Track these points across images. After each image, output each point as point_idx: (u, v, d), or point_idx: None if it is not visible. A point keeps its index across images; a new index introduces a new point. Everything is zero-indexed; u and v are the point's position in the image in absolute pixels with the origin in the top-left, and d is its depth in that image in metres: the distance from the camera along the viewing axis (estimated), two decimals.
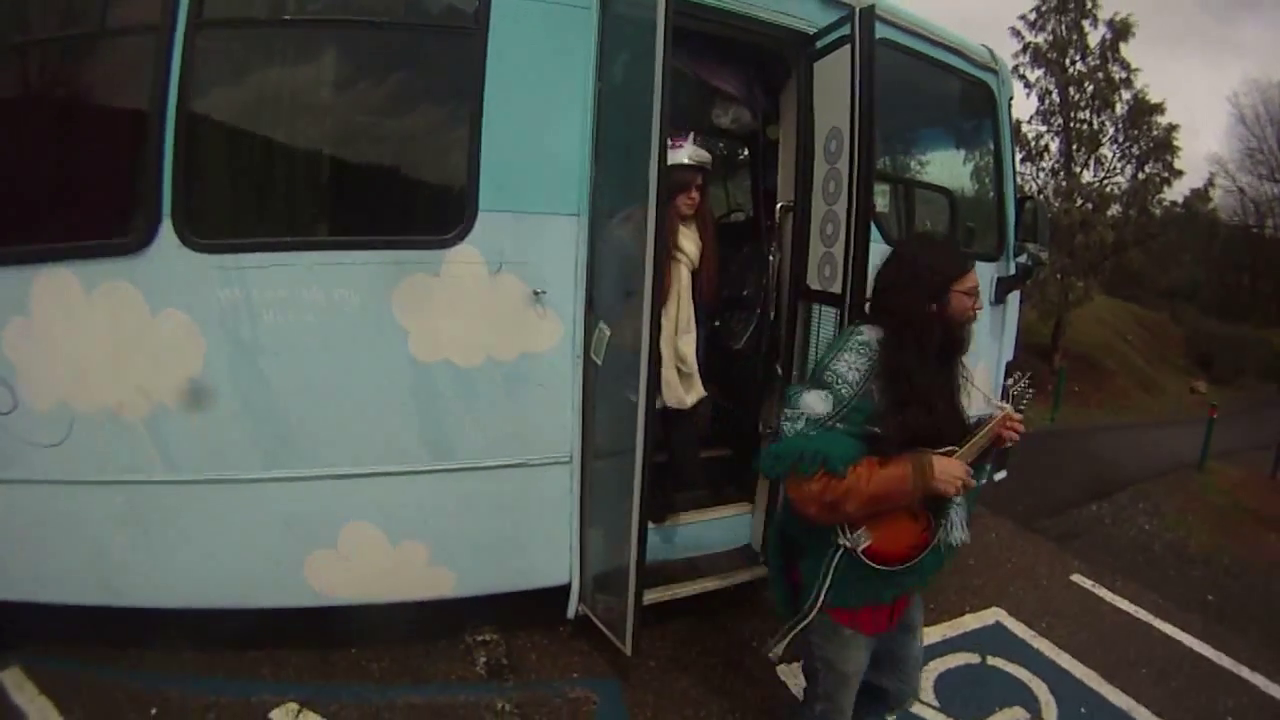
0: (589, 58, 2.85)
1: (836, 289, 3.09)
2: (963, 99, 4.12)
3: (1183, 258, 25.44)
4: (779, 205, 3.52)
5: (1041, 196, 15.38)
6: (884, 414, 1.94)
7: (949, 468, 1.95)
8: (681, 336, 3.33)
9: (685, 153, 3.20)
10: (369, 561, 2.93)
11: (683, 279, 3.32)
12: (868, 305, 2.19)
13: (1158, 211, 18.36)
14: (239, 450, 2.75)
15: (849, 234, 2.99)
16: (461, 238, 2.76)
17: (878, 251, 3.02)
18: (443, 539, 3.00)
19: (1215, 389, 19.84)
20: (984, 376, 4.19)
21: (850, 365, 1.96)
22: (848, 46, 2.97)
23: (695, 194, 3.28)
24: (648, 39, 2.55)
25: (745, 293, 3.66)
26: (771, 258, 3.57)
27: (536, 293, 2.87)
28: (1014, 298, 4.31)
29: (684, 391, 3.38)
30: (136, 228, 2.57)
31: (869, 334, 2.01)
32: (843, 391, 1.94)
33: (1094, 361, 18.16)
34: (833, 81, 3.10)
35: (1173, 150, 17.12)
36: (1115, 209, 17.14)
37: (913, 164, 4.34)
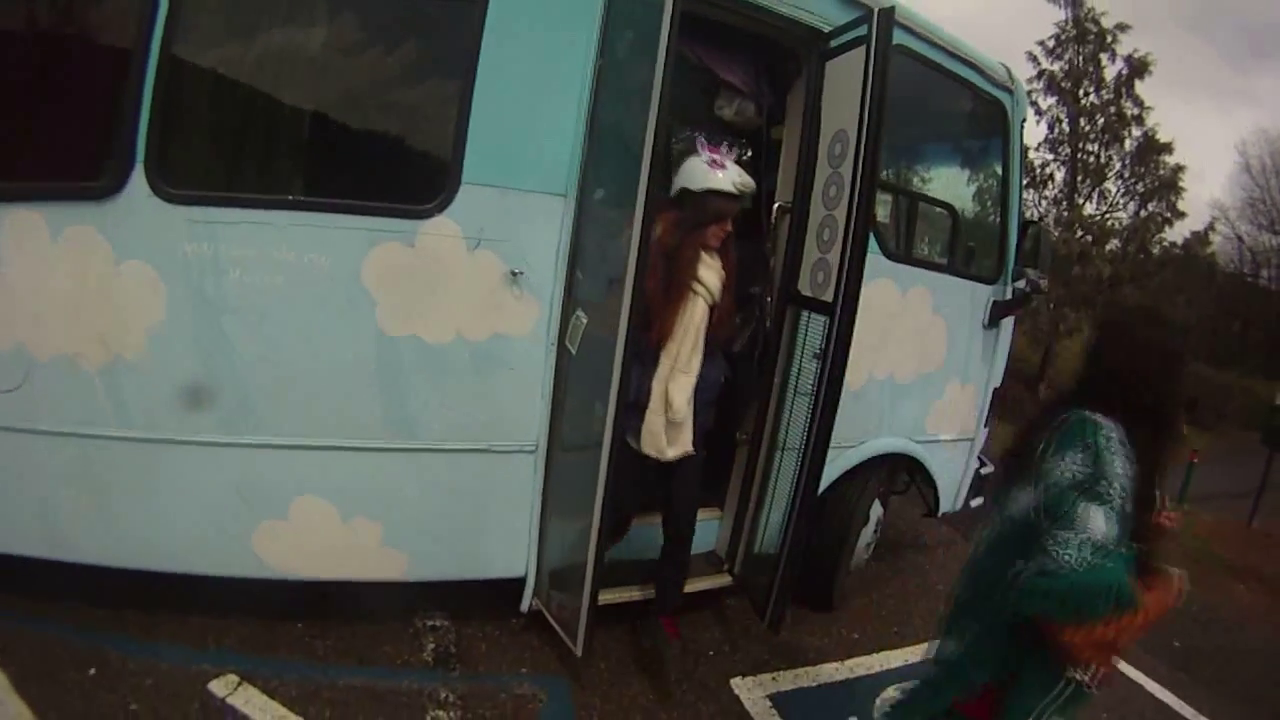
0: (592, 32, 2.75)
1: (828, 297, 2.99)
2: (975, 116, 4.03)
3: (1177, 299, 25.51)
4: (776, 205, 3.42)
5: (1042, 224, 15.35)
6: (1138, 527, 1.75)
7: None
8: (676, 377, 2.87)
9: (729, 177, 2.78)
10: (319, 537, 2.85)
11: (697, 315, 2.87)
12: (1086, 385, 1.91)
13: (1156, 251, 18.40)
14: (194, 411, 2.66)
15: (846, 242, 2.89)
16: (441, 209, 2.66)
17: (872, 264, 2.94)
18: (397, 520, 2.92)
19: (1196, 432, 19.79)
20: (969, 401, 4.15)
21: (1123, 473, 1.70)
22: (863, 48, 2.87)
23: (729, 225, 2.91)
24: (654, 18, 2.45)
25: (753, 290, 3.55)
26: (771, 259, 3.48)
27: (514, 273, 2.77)
28: (1008, 323, 4.23)
29: (665, 442, 2.92)
30: (108, 172, 2.47)
31: (1109, 428, 1.75)
32: (1124, 508, 1.68)
33: None
34: (844, 83, 3.01)
35: (1177, 191, 17.21)
36: (1114, 244, 17.18)
37: (917, 177, 4.25)
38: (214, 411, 2.67)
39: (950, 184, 4.31)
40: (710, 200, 2.77)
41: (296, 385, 2.71)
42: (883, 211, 3.72)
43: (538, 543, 3.09)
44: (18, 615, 2.85)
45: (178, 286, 2.55)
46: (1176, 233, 18.34)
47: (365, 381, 2.74)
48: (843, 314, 2.88)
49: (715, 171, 2.76)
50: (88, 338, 2.57)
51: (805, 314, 3.21)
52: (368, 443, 2.79)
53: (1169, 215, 17.43)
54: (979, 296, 3.98)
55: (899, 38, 2.98)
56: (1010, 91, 3.92)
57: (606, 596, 3.16)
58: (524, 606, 3.16)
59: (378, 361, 2.74)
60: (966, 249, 4.13)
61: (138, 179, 2.47)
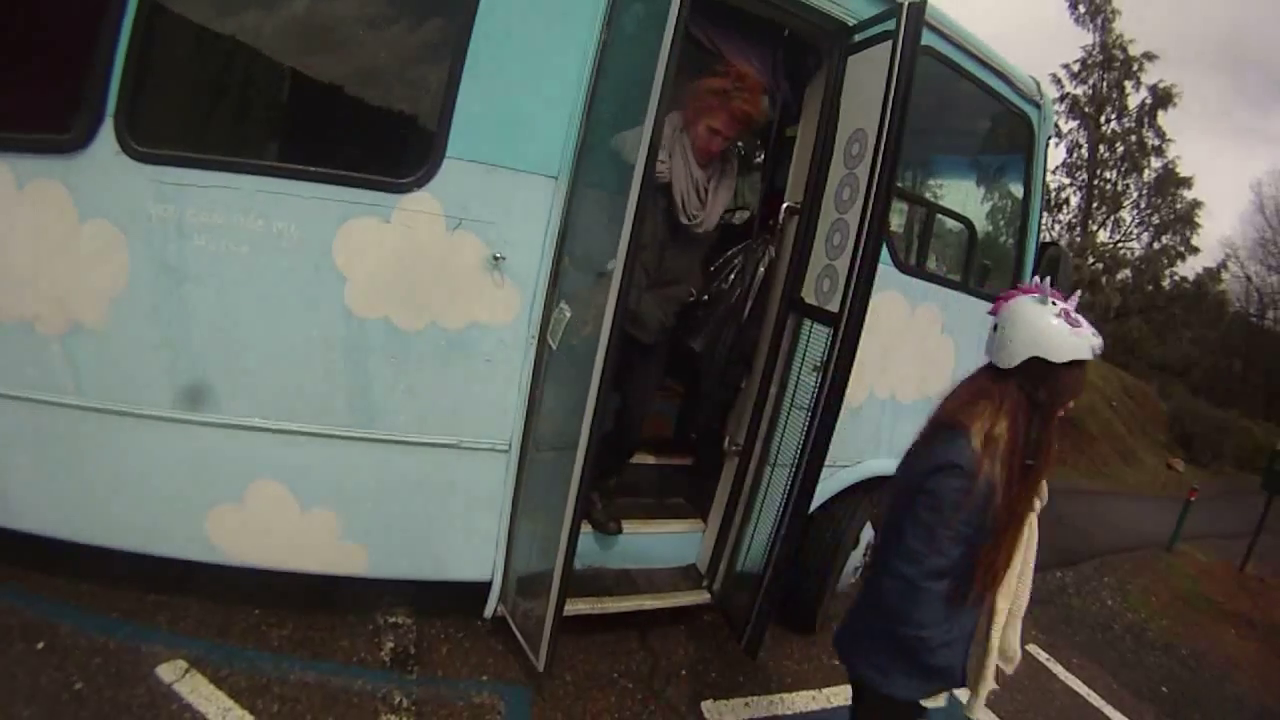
0: (598, 3, 2.57)
1: (833, 307, 2.81)
2: (1000, 129, 3.87)
3: (1183, 335, 25.46)
4: (784, 205, 3.23)
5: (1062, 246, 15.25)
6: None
7: None
8: (1014, 621, 2.14)
9: (1088, 338, 1.86)
10: (276, 525, 2.73)
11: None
12: None
13: (1167, 284, 18.31)
14: (151, 383, 2.54)
15: (858, 249, 2.71)
16: (421, 184, 2.50)
17: (882, 274, 2.77)
18: (358, 513, 2.77)
19: (1192, 469, 19.83)
20: None
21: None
22: (888, 43, 2.69)
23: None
24: None
25: (721, 287, 3.36)
26: (761, 263, 3.29)
27: (496, 257, 2.60)
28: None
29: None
30: (76, 125, 2.35)
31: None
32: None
33: (1077, 422, 17.98)
34: (866, 79, 2.84)
35: (1193, 226, 17.11)
36: (1125, 274, 17.08)
37: (934, 186, 4.06)
38: (169, 385, 2.54)
39: (968, 197, 4.10)
40: (1075, 374, 1.93)
41: (257, 363, 2.57)
42: (896, 220, 3.55)
43: (506, 547, 2.93)
44: None
45: (141, 250, 2.43)
46: (1188, 267, 18.21)
47: (330, 364, 2.59)
48: (848, 326, 2.70)
49: (1078, 334, 1.89)
50: (46, 299, 2.45)
51: (808, 323, 3.03)
52: (329, 429, 2.64)
53: (1182, 250, 17.34)
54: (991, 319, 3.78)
55: (927, 39, 2.81)
56: (1038, 106, 3.76)
57: (576, 607, 3.04)
58: (487, 613, 3.02)
59: (344, 343, 2.57)
60: (981, 267, 3.95)
61: (106, 134, 2.35)
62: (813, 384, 2.91)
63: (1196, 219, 17.27)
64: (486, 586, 2.99)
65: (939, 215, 3.71)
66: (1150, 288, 17.86)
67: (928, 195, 3.88)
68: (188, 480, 2.63)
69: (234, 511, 2.67)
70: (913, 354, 3.50)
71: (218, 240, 2.43)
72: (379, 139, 2.61)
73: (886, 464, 3.58)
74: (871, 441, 3.51)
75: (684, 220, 2.98)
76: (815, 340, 2.95)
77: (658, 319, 3.09)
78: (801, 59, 3.26)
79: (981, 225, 4.03)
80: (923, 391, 3.60)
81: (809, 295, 3.03)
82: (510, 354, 2.71)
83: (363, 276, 2.53)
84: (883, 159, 2.67)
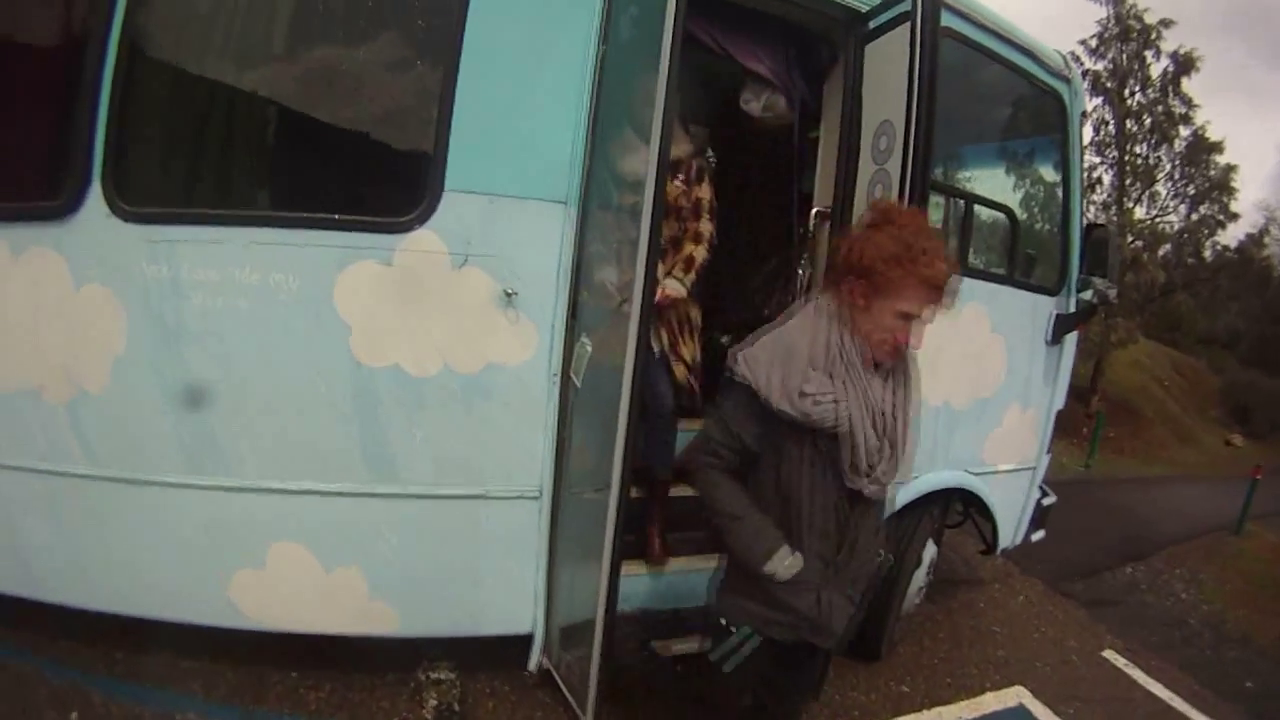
0: (592, 14, 2.43)
1: None
2: (1030, 109, 3.70)
3: (1230, 305, 24.71)
4: (814, 211, 3.06)
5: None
6: None
7: None
8: None
9: None
10: (301, 588, 2.63)
11: None
12: None
13: (1208, 254, 17.82)
14: (160, 449, 2.47)
15: None
16: (421, 221, 2.37)
17: None
18: (385, 571, 2.64)
19: (1251, 443, 19.23)
20: (1030, 427, 3.76)
21: None
22: (907, 25, 2.52)
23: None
24: None
25: (765, 313, 3.19)
26: (801, 271, 3.10)
27: (508, 293, 2.45)
28: (1071, 338, 3.84)
29: None
30: (65, 190, 2.32)
31: None
32: None
33: (1131, 407, 17.56)
34: (886, 67, 2.66)
35: (1229, 192, 16.66)
36: (1166, 248, 16.63)
37: (968, 176, 3.85)
38: (178, 449, 2.46)
39: (1004, 184, 3.90)
40: None
41: (266, 422, 2.48)
42: (933, 216, 3.34)
43: (545, 597, 2.77)
44: (5, 648, 2.76)
45: (138, 312, 2.37)
46: (1229, 235, 17.71)
47: (340, 418, 2.47)
48: None
49: None
50: (50, 367, 2.42)
51: None
52: (346, 487, 2.52)
53: (1221, 218, 16.87)
54: (1040, 310, 3.60)
55: (946, 20, 2.64)
56: (1068, 81, 3.57)
57: (624, 654, 2.85)
58: (531, 666, 2.87)
59: (354, 395, 2.45)
60: (1026, 257, 3.72)
61: (95, 197, 2.31)
62: None
63: (1233, 184, 16.83)
64: (529, 639, 2.84)
65: (976, 206, 3.49)
66: (1192, 260, 17.36)
67: (964, 185, 3.67)
68: (206, 545, 2.55)
69: (257, 575, 2.58)
70: (962, 357, 3.28)
71: (215, 297, 2.35)
72: (373, 178, 2.50)
73: (944, 477, 3.39)
74: (927, 455, 3.29)
75: (865, 481, 1.94)
76: None
77: (847, 614, 2.08)
78: (815, 54, 3.11)
79: (1021, 213, 3.82)
80: (976, 395, 3.40)
81: None
82: (532, 394, 2.56)
83: (368, 324, 2.41)
84: (914, 151, 2.49)
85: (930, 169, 2.55)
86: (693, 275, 2.98)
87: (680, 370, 3.08)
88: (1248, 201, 33.47)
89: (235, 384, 2.44)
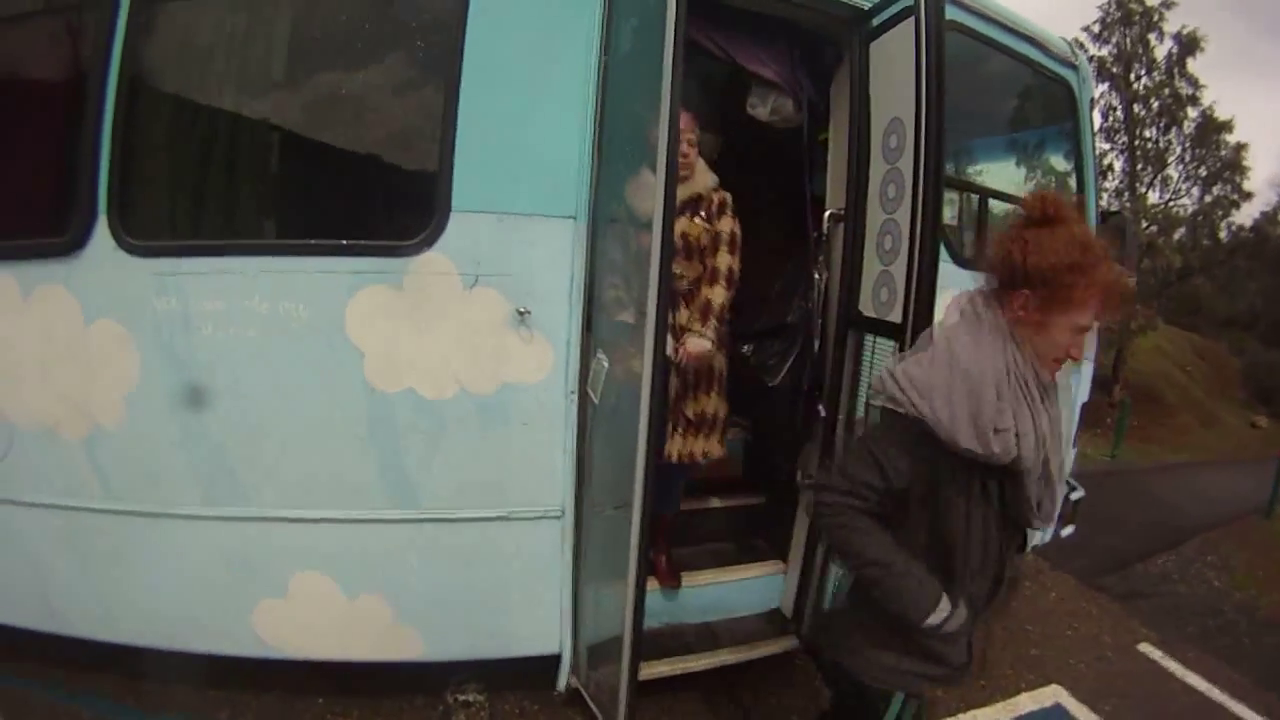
0: (592, 24, 2.40)
1: (895, 317, 2.55)
2: (1039, 98, 3.64)
3: (1249, 286, 24.39)
4: (827, 214, 2.99)
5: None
6: None
7: None
8: None
9: None
10: (324, 616, 2.62)
11: None
12: None
13: (1224, 235, 17.63)
14: (177, 481, 2.47)
15: (913, 249, 2.45)
16: (430, 243, 2.34)
17: (943, 273, 2.52)
18: (408, 597, 2.62)
19: (1277, 424, 18.96)
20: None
21: None
22: (911, 20, 2.46)
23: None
24: (660, 3, 2.09)
25: (789, 319, 3.14)
26: (818, 276, 3.05)
27: (521, 312, 2.42)
28: (1092, 331, 3.72)
29: None
30: (72, 226, 2.34)
31: None
32: None
33: (1154, 394, 17.35)
34: (893, 64, 2.60)
35: (1242, 170, 16.51)
36: (1181, 232, 16.46)
37: (981, 170, 3.80)
38: (195, 481, 2.47)
39: (1017, 176, 3.86)
40: None
41: (281, 451, 2.47)
42: (948, 212, 3.29)
43: (571, 616, 2.73)
44: (25, 678, 2.76)
45: (149, 345, 2.38)
46: (1244, 215, 17.52)
47: (356, 444, 2.45)
48: (915, 335, 2.41)
49: None
50: (65, 404, 2.44)
51: (870, 338, 2.78)
52: (365, 514, 2.50)
53: (1235, 197, 16.70)
54: None
55: (950, 13, 2.60)
56: (1075, 68, 3.51)
57: (654, 670, 2.83)
58: (560, 686, 2.83)
59: (369, 421, 2.43)
60: None
61: (101, 232, 2.33)
62: None
63: (1244, 163, 16.68)
64: (557, 659, 2.81)
65: (992, 200, 3.43)
66: (1208, 243, 17.16)
67: (977, 179, 3.62)
68: (227, 576, 2.55)
69: (279, 605, 2.57)
70: None
71: (225, 327, 2.35)
72: (379, 202, 2.48)
73: None
74: None
75: (1038, 517, 1.74)
76: (880, 355, 2.69)
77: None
78: (820, 54, 3.05)
79: None
80: None
81: (866, 308, 2.78)
82: (549, 413, 2.52)
83: (380, 349, 2.39)
84: (926, 147, 2.42)
85: (943, 165, 2.49)
86: (714, 323, 2.83)
87: (675, 439, 2.92)
88: (1260, 179, 33.13)
89: (249, 414, 2.43)
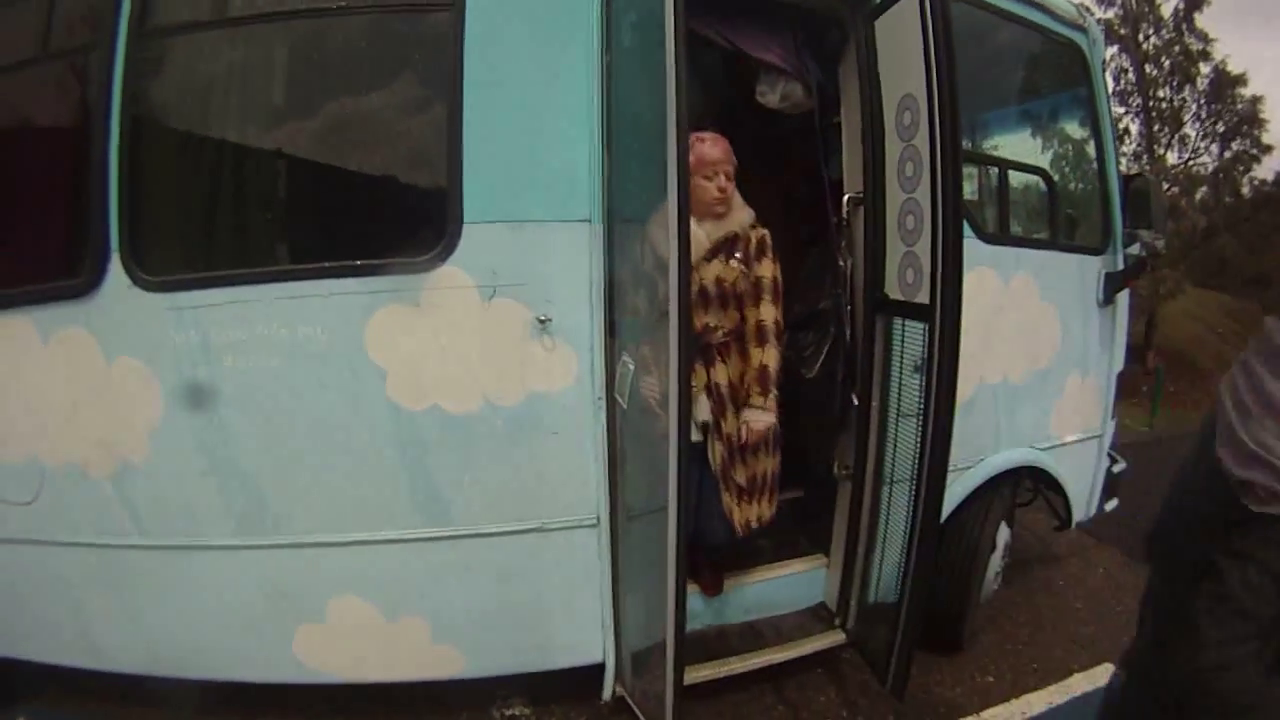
0: (592, 23, 2.37)
1: (923, 298, 2.49)
2: (1050, 64, 3.55)
3: (1276, 240, 23.89)
4: (846, 197, 2.93)
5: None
6: None
7: None
8: None
9: None
10: (364, 638, 2.60)
11: None
12: None
13: (1247, 191, 17.30)
14: (208, 513, 2.47)
15: (936, 227, 2.39)
16: (444, 258, 2.32)
17: (968, 249, 2.46)
18: (446, 615, 2.60)
19: None
20: (1093, 393, 3.60)
21: None
22: None
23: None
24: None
25: (821, 307, 3.08)
26: (843, 263, 2.99)
27: (542, 320, 2.38)
28: (1124, 296, 3.68)
29: None
30: (86, 267, 2.35)
31: None
32: None
33: (1187, 359, 17.00)
34: (899, 40, 2.55)
35: (1260, 124, 16.23)
36: (1203, 191, 16.17)
37: (997, 141, 3.72)
38: (225, 512, 2.46)
39: (1035, 146, 3.78)
40: None
41: (310, 477, 2.45)
42: (968, 187, 3.22)
43: (614, 624, 2.70)
44: (74, 715, 2.86)
45: (171, 380, 2.37)
46: (1265, 169, 17.19)
47: (385, 465, 2.43)
48: (944, 316, 2.38)
49: None
50: (92, 444, 2.44)
51: (898, 322, 2.72)
52: (398, 534, 2.48)
53: (1255, 152, 16.40)
54: (1088, 271, 3.45)
55: None
56: (1084, 30, 3.42)
57: (699, 674, 2.79)
58: (605, 695, 2.79)
59: (396, 440, 2.41)
60: (1067, 219, 3.59)
61: (115, 270, 2.33)
62: (917, 387, 2.59)
63: (1261, 115, 16.41)
64: (601, 668, 2.77)
65: (1011, 172, 3.36)
66: (1230, 200, 16.82)
67: (994, 151, 3.55)
68: (265, 605, 2.54)
69: (319, 630, 2.56)
70: (1016, 329, 3.16)
71: (245, 357, 2.34)
72: (391, 220, 2.46)
73: (1011, 456, 3.26)
74: (990, 435, 3.17)
75: None
76: (910, 339, 2.63)
77: None
78: (825, 37, 2.99)
79: (1056, 173, 3.68)
80: (1033, 368, 3.26)
81: (893, 290, 2.72)
82: (578, 421, 2.49)
83: (402, 367, 2.36)
84: (941, 121, 2.36)
85: (960, 139, 2.42)
86: (774, 391, 2.70)
87: (728, 502, 2.78)
88: (1279, 131, 32.46)
89: (276, 442, 2.41)
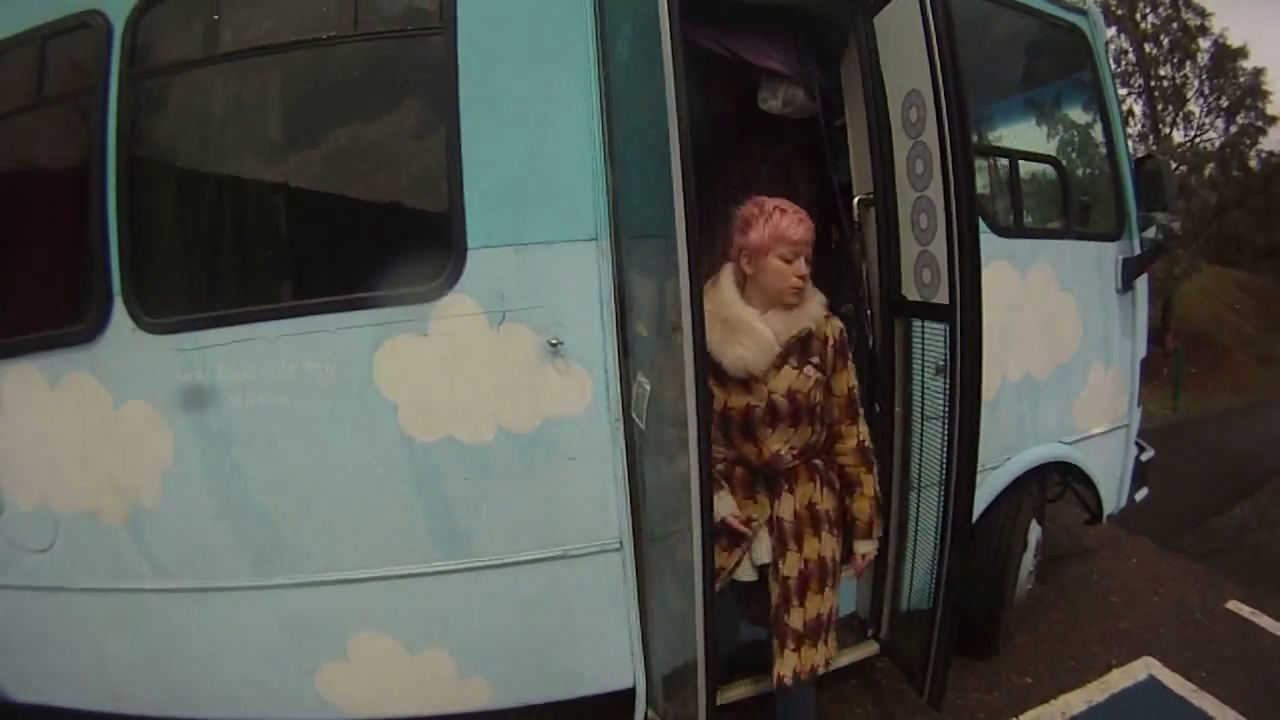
0: (587, 36, 2.33)
1: (942, 298, 2.42)
2: (1052, 48, 3.50)
3: None
4: (856, 199, 2.88)
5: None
6: None
7: None
8: None
9: None
10: (388, 674, 2.56)
11: None
12: None
13: (1255, 164, 17.17)
14: (224, 555, 2.46)
15: (951, 223, 2.32)
16: (450, 285, 2.28)
17: (983, 244, 2.40)
18: (471, 647, 2.55)
19: None
20: (1117, 382, 3.53)
21: None
22: None
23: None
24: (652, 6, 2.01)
25: (841, 311, 3.01)
26: (858, 266, 2.93)
27: (553, 344, 2.33)
28: (1142, 282, 3.61)
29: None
30: (90, 312, 2.36)
31: None
32: None
33: (1206, 338, 16.86)
34: (899, 35, 2.50)
35: (1263, 95, 16.14)
36: (1211, 168, 16.05)
37: (1003, 132, 3.66)
38: (242, 553, 2.45)
39: (1042, 134, 3.71)
40: None
41: (325, 514, 2.41)
42: (979, 181, 3.16)
43: (642, 648, 2.63)
44: None
45: (180, 423, 2.36)
46: (1273, 140, 17.04)
47: (401, 499, 2.38)
48: (965, 314, 2.31)
49: None
50: (104, 488, 2.45)
51: (917, 323, 2.65)
52: (420, 567, 2.43)
53: (1260, 124, 16.29)
54: (1105, 258, 3.39)
55: None
56: (1084, 13, 3.37)
57: (732, 693, 2.73)
58: None
59: (411, 474, 2.36)
60: (1080, 206, 3.50)
61: (119, 314, 2.34)
62: (940, 389, 2.53)
63: (1264, 87, 16.28)
64: (631, 694, 2.69)
65: (1021, 162, 3.30)
66: (1239, 174, 16.69)
67: (1002, 142, 3.50)
68: (287, 644, 2.52)
69: (342, 667, 2.51)
70: (1036, 323, 3.09)
71: (253, 396, 2.32)
72: (394, 250, 2.40)
73: (1039, 453, 3.19)
74: (1016, 433, 3.10)
75: None
76: (930, 340, 2.56)
77: None
78: (824, 38, 2.94)
79: (1066, 160, 3.62)
80: (1055, 360, 3.20)
81: (909, 292, 2.65)
82: (596, 444, 2.42)
83: (413, 399, 2.32)
84: (949, 114, 2.30)
85: (969, 133, 2.37)
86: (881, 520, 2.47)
87: (775, 651, 2.40)
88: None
89: (288, 480, 2.38)
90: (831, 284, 3.02)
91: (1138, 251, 3.48)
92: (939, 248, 2.41)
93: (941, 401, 2.52)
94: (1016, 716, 3.10)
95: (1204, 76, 16.47)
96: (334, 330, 2.27)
